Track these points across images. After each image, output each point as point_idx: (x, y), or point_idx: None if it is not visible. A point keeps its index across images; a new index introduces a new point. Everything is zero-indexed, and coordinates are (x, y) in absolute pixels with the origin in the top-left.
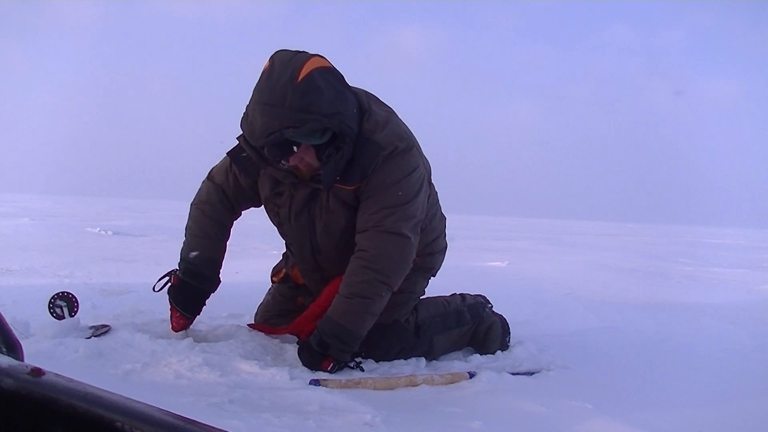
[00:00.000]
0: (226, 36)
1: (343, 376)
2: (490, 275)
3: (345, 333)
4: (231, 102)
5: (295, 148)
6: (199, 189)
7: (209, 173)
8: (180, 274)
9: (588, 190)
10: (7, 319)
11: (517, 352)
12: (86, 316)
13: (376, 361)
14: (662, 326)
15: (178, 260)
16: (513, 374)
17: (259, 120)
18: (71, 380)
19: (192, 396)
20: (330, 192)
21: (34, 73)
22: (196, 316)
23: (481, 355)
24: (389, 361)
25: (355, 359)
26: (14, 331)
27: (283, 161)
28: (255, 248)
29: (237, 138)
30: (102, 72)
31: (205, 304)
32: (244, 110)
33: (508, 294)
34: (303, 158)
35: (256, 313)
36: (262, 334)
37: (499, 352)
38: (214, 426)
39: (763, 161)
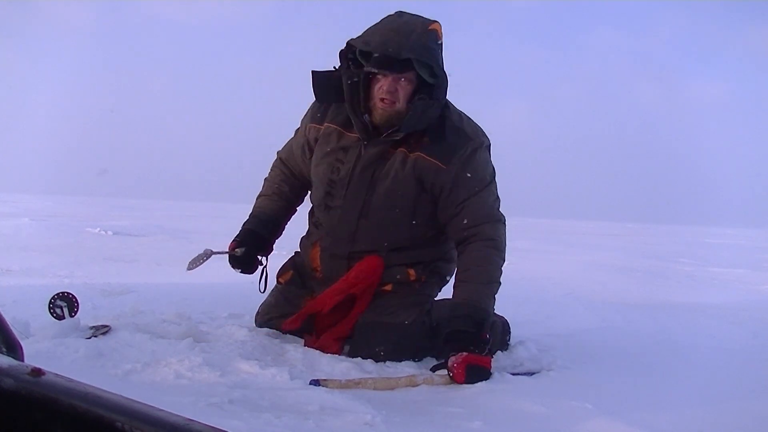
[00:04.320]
0: (223, 37)
1: (342, 376)
2: None
3: (489, 318)
4: (229, 102)
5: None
6: None
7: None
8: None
9: (588, 190)
10: (7, 319)
11: (518, 352)
12: (86, 316)
13: (375, 362)
14: (662, 326)
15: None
16: (513, 374)
17: (378, 38)
18: (71, 380)
19: (192, 396)
20: (410, 159)
21: (32, 74)
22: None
23: None
24: (399, 361)
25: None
26: (14, 331)
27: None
28: None
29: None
30: (100, 72)
31: (260, 253)
32: (346, 43)
33: (508, 294)
34: (399, 89)
35: (257, 313)
36: (263, 333)
37: (499, 352)
38: (214, 426)
39: (763, 161)
